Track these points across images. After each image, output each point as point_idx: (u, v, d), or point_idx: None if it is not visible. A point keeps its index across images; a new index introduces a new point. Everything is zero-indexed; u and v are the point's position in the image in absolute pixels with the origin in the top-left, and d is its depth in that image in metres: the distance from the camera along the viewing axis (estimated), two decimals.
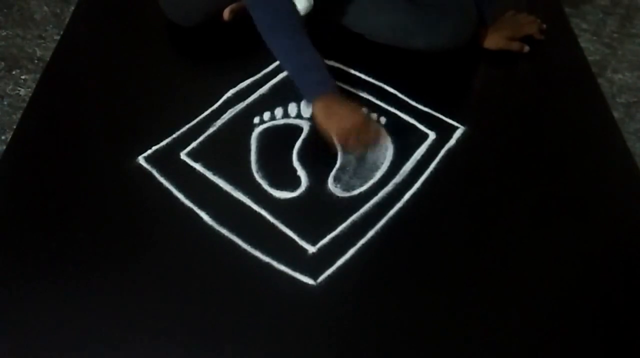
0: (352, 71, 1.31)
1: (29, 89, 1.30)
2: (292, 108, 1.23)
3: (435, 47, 1.29)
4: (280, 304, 0.95)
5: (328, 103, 1.10)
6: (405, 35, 1.29)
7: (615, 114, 1.29)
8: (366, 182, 1.12)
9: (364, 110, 1.16)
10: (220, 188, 1.10)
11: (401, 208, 1.07)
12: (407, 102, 1.26)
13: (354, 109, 1.12)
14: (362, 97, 1.26)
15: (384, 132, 1.16)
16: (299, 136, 1.18)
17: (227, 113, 1.23)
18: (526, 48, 1.34)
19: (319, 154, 1.16)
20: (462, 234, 1.05)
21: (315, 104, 1.11)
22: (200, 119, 1.21)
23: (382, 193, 1.10)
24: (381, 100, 1.26)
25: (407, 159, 1.15)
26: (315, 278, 0.98)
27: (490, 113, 1.28)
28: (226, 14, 1.35)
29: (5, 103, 1.28)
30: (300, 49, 1.12)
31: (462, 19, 1.29)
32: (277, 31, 1.13)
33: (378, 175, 1.13)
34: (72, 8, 1.50)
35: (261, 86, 1.28)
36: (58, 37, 1.42)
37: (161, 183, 1.10)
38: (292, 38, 1.13)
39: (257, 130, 1.19)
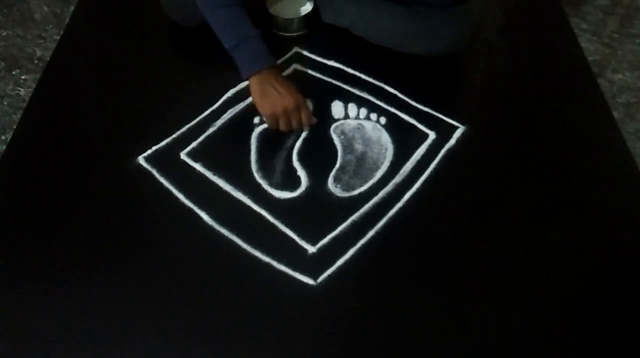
0: (353, 71, 1.31)
1: (29, 89, 1.30)
2: None
3: (434, 52, 1.30)
4: (280, 304, 0.95)
5: (262, 81, 1.12)
6: (405, 40, 1.29)
7: (615, 114, 1.29)
8: (366, 182, 1.12)
9: (298, 91, 1.15)
10: (220, 188, 1.10)
11: (401, 208, 1.07)
12: (407, 102, 1.26)
13: (287, 90, 1.12)
14: (362, 97, 1.26)
15: (311, 115, 1.17)
16: (299, 136, 1.18)
17: (227, 113, 1.23)
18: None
19: (319, 154, 1.16)
20: (462, 234, 1.05)
21: (250, 81, 1.13)
22: (200, 119, 1.21)
23: (382, 193, 1.10)
24: (381, 100, 1.26)
25: (407, 159, 1.15)
26: (315, 278, 0.98)
27: (490, 113, 1.28)
28: None
29: (5, 103, 1.28)
30: (235, 24, 1.13)
31: (461, 25, 1.29)
32: (215, 5, 1.13)
33: (378, 175, 1.13)
34: (72, 8, 1.50)
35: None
36: (58, 37, 1.42)
37: (161, 183, 1.10)
38: (230, 12, 1.13)
39: (257, 130, 1.19)
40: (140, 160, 1.14)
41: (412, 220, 1.06)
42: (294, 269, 0.99)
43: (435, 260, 1.02)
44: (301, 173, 1.13)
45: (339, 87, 1.28)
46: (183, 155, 1.15)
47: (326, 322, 0.93)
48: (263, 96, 1.12)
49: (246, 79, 1.15)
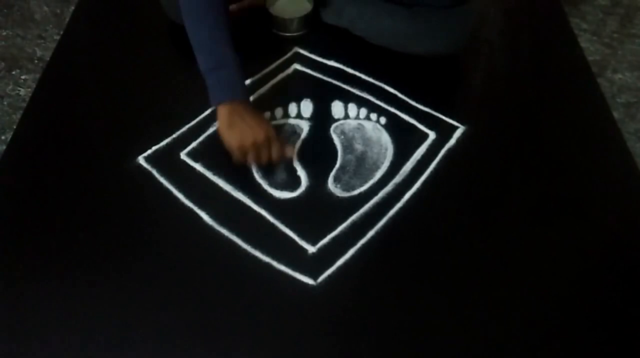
0: (352, 71, 1.31)
1: (29, 89, 1.30)
2: (292, 108, 1.23)
3: (434, 52, 1.30)
4: (280, 304, 0.95)
5: (232, 112, 1.04)
6: (405, 40, 1.30)
7: (615, 114, 1.29)
8: (366, 182, 1.12)
9: (269, 124, 1.09)
10: (220, 188, 1.10)
11: (401, 208, 1.07)
12: (407, 102, 1.26)
13: (258, 123, 1.05)
14: (362, 97, 1.26)
15: (287, 148, 1.10)
16: (299, 136, 1.18)
17: None
18: None
19: (319, 154, 1.16)
20: (462, 234, 1.05)
21: (219, 110, 1.05)
22: (200, 119, 1.21)
23: (382, 193, 1.10)
24: (381, 100, 1.26)
25: (407, 159, 1.15)
26: (315, 278, 0.98)
27: (491, 113, 1.28)
28: None
29: (5, 103, 1.28)
30: (217, 46, 1.05)
31: (461, 25, 1.29)
32: (200, 21, 1.06)
33: (378, 175, 1.13)
34: (72, 8, 1.50)
35: (261, 86, 1.28)
36: (58, 37, 1.42)
37: (161, 183, 1.10)
38: (213, 32, 1.06)
39: None
40: (140, 160, 1.14)
41: (412, 220, 1.06)
42: (294, 269, 0.99)
43: (435, 260, 1.02)
44: (301, 173, 1.13)
45: (339, 87, 1.28)
46: (183, 155, 1.15)
47: (326, 322, 0.93)
48: (231, 127, 1.04)
49: (214, 106, 1.08)
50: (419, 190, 1.11)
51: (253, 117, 1.06)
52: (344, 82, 1.29)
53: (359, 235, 1.03)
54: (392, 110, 1.24)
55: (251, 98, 1.24)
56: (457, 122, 1.22)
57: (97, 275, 0.98)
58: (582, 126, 1.25)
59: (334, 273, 0.98)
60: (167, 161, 1.14)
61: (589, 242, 1.05)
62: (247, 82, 1.27)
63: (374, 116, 1.22)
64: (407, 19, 1.28)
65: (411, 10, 1.27)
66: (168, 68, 1.35)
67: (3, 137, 1.20)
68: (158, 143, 1.17)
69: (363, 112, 1.23)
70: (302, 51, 1.36)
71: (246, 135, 1.04)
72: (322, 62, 1.34)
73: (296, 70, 1.32)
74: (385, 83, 1.29)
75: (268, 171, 1.12)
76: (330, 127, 1.20)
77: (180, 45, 1.39)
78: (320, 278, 0.98)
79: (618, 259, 1.03)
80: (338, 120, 1.22)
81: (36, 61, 1.38)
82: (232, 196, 1.09)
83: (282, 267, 0.99)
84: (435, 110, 1.24)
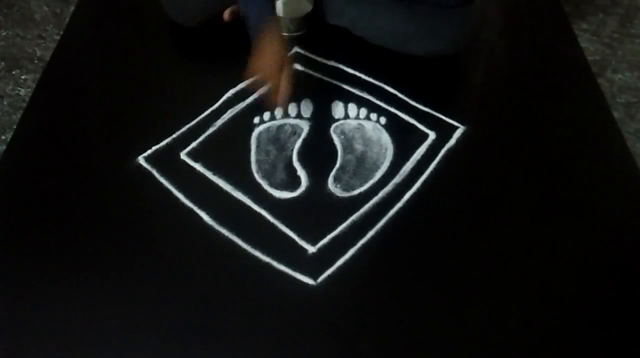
0: (352, 71, 1.31)
1: (29, 89, 1.30)
2: (292, 108, 1.23)
3: (434, 52, 1.30)
4: (280, 304, 0.95)
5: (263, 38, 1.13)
6: (405, 40, 1.30)
7: (615, 114, 1.29)
8: (366, 182, 1.12)
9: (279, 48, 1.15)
10: (220, 188, 1.10)
11: (401, 208, 1.07)
12: (407, 102, 1.26)
13: (271, 44, 1.13)
14: (362, 97, 1.26)
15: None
16: (299, 136, 1.18)
17: (227, 113, 1.23)
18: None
19: (319, 154, 1.16)
20: (462, 234, 1.05)
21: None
22: (200, 119, 1.21)
23: (382, 193, 1.10)
24: (381, 100, 1.25)
25: (407, 159, 1.15)
26: (315, 278, 0.98)
27: (491, 113, 1.28)
28: (226, 14, 1.35)
29: (5, 103, 1.28)
30: None
31: (461, 25, 1.29)
32: None
33: (378, 175, 1.13)
34: (72, 8, 1.50)
35: (261, 86, 1.28)
36: (58, 37, 1.42)
37: (161, 183, 1.10)
38: None
39: (257, 130, 1.19)
40: (140, 160, 1.14)
41: (412, 220, 1.06)
42: (294, 269, 0.98)
43: (435, 260, 1.02)
44: (301, 173, 1.12)
45: (339, 87, 1.28)
46: (183, 155, 1.15)
47: (326, 322, 0.93)
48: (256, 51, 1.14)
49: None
50: (419, 190, 1.10)
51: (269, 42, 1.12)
52: (344, 82, 1.29)
53: (359, 235, 1.03)
54: (392, 110, 1.24)
55: (252, 97, 1.24)
56: (457, 122, 1.22)
57: (97, 275, 0.98)
58: (582, 126, 1.25)
59: (334, 273, 0.98)
60: (167, 161, 1.14)
61: (589, 242, 1.05)
62: (248, 81, 1.27)
63: (374, 116, 1.22)
64: (408, 19, 1.28)
65: (412, 10, 1.27)
66: (168, 68, 1.35)
67: (3, 137, 1.20)
68: (158, 143, 1.17)
69: (363, 112, 1.23)
70: (302, 51, 1.36)
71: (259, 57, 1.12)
72: (322, 62, 1.34)
73: (296, 70, 1.32)
74: (385, 83, 1.29)
75: (268, 171, 1.12)
76: (330, 127, 1.20)
77: (180, 45, 1.40)
78: (320, 278, 0.98)
79: (618, 259, 1.03)
80: (338, 120, 1.22)
81: (36, 61, 1.38)
82: (232, 196, 1.09)
83: (282, 267, 0.99)
84: (435, 110, 1.24)
